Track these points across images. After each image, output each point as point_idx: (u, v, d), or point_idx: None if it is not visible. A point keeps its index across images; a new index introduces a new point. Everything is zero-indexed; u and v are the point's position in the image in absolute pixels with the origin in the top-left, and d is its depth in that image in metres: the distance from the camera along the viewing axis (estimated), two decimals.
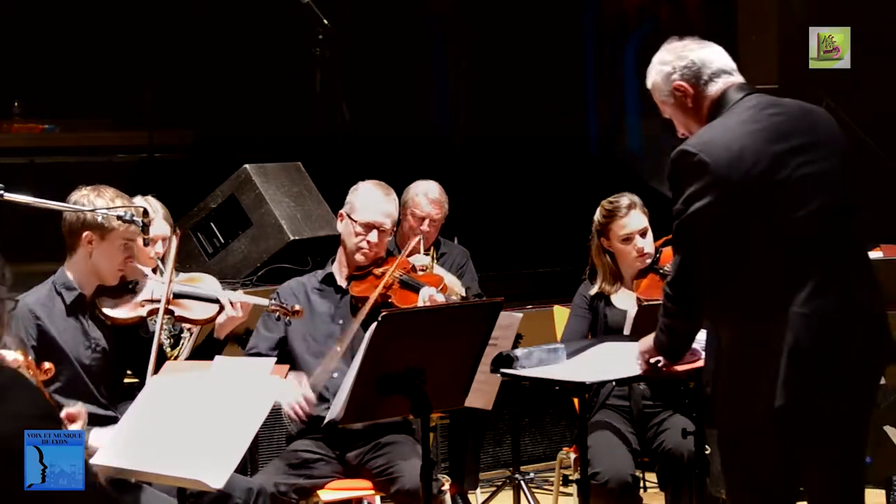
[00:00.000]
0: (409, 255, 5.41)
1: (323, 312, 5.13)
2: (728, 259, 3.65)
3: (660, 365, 4.02)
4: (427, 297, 5.04)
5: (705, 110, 3.81)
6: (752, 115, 3.72)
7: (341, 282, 5.19)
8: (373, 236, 5.11)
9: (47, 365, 4.00)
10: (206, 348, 4.79)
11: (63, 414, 3.66)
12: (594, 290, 5.46)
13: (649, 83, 3.92)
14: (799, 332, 3.60)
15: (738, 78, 3.84)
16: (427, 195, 6.31)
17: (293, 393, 4.86)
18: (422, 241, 6.20)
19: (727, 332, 3.73)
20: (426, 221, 6.29)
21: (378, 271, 5.13)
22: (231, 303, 4.74)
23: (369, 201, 5.15)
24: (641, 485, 6.03)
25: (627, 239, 5.41)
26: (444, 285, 5.19)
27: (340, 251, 5.22)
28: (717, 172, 3.61)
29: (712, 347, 3.82)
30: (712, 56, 3.85)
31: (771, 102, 3.78)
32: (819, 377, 3.63)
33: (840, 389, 3.68)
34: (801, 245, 3.64)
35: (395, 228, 5.27)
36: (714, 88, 3.80)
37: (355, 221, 5.13)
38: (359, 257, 5.14)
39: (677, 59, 3.85)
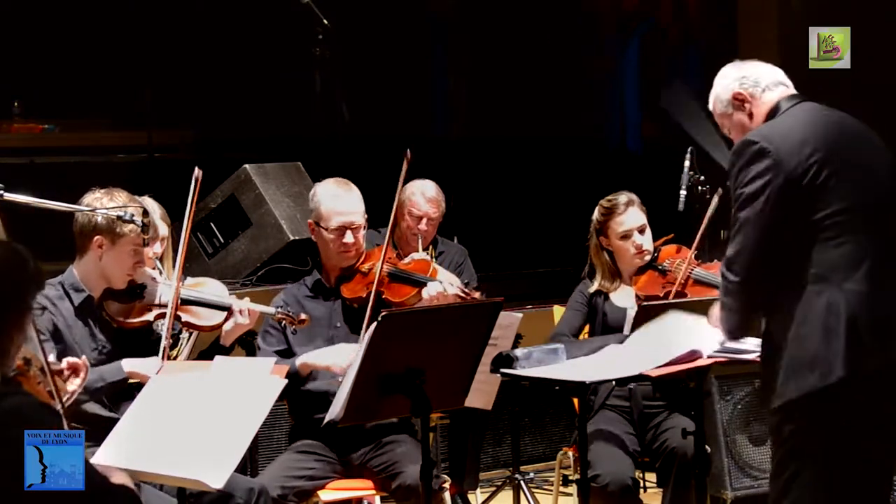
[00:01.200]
0: (406, 256, 5.40)
1: (319, 318, 5.11)
2: (786, 238, 3.78)
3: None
4: (435, 291, 5.02)
5: (761, 117, 4.01)
6: (809, 116, 3.93)
7: (330, 286, 5.17)
8: (348, 237, 5.08)
9: (64, 364, 4.00)
10: (212, 355, 4.76)
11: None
12: (593, 288, 5.47)
13: (711, 99, 4.13)
14: (857, 308, 3.73)
15: (792, 90, 4.06)
16: (424, 194, 6.30)
17: (342, 356, 4.83)
18: (420, 240, 6.20)
19: (782, 311, 3.80)
20: (424, 220, 6.29)
21: (364, 268, 5.12)
22: (240, 310, 4.74)
23: (332, 204, 5.10)
24: (641, 485, 6.03)
25: (626, 236, 5.42)
26: (433, 269, 5.18)
27: (322, 257, 5.20)
28: (777, 157, 3.78)
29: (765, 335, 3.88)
30: (769, 70, 4.09)
31: (824, 108, 4.00)
32: (878, 350, 3.74)
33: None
34: (855, 231, 3.79)
35: (367, 223, 5.21)
36: (771, 96, 4.02)
37: (326, 229, 5.10)
38: (342, 261, 5.12)
39: (737, 71, 4.08)
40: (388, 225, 5.99)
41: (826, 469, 3.76)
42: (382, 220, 5.42)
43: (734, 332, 3.99)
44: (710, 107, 4.12)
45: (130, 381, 4.49)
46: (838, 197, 3.78)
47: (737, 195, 3.84)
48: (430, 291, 5.05)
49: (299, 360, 4.91)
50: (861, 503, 3.85)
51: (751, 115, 4.02)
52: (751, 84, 4.02)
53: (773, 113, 3.98)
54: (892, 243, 3.87)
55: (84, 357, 4.06)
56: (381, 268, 5.04)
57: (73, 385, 3.89)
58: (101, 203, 4.51)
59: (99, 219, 4.51)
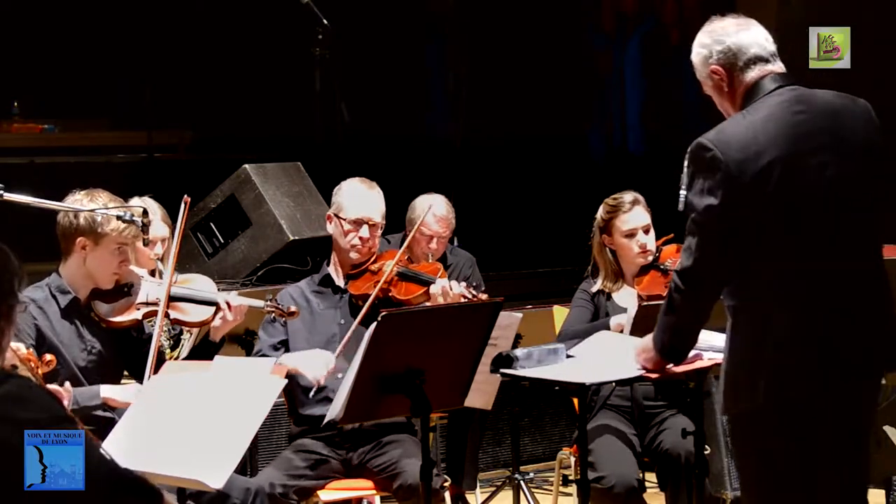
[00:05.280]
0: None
1: (323, 314, 5.12)
2: (734, 251, 3.68)
3: (652, 367, 4.01)
4: (441, 288, 5.04)
5: (739, 97, 3.83)
6: (776, 113, 3.74)
7: (339, 282, 5.18)
8: (364, 231, 5.11)
9: (48, 357, 4.03)
10: (202, 351, 4.77)
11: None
12: (596, 288, 5.46)
13: (692, 59, 3.92)
14: (789, 331, 3.65)
15: (776, 66, 3.84)
16: (434, 213, 6.23)
17: (318, 366, 4.86)
18: (430, 257, 6.19)
19: (733, 322, 3.75)
20: (434, 239, 6.26)
21: (374, 267, 5.14)
22: (228, 304, 4.72)
23: (354, 198, 5.16)
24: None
25: (630, 235, 5.41)
26: (442, 271, 5.21)
27: (334, 253, 5.23)
28: (728, 170, 3.64)
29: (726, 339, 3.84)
30: (749, 41, 3.84)
31: (799, 98, 3.78)
32: (805, 376, 3.67)
33: (848, 378, 3.72)
34: (803, 250, 3.68)
35: (384, 221, 5.22)
36: (750, 76, 3.81)
37: (344, 220, 5.13)
38: (353, 255, 5.14)
39: (714, 42, 3.85)
40: (392, 232, 6.00)
41: (769, 478, 3.75)
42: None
43: (676, 354, 3.92)
44: (693, 64, 3.92)
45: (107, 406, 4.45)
46: (789, 212, 3.66)
47: (689, 201, 3.74)
48: (436, 289, 5.07)
49: (277, 361, 4.91)
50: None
51: (728, 92, 3.83)
52: (727, 61, 3.80)
53: (750, 94, 3.79)
54: (838, 264, 3.73)
55: (67, 384, 4.08)
56: (394, 267, 5.07)
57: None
58: (82, 204, 4.47)
59: (81, 220, 4.46)
